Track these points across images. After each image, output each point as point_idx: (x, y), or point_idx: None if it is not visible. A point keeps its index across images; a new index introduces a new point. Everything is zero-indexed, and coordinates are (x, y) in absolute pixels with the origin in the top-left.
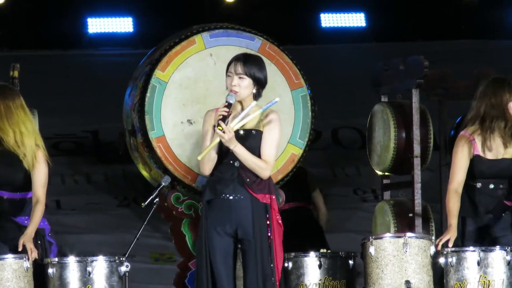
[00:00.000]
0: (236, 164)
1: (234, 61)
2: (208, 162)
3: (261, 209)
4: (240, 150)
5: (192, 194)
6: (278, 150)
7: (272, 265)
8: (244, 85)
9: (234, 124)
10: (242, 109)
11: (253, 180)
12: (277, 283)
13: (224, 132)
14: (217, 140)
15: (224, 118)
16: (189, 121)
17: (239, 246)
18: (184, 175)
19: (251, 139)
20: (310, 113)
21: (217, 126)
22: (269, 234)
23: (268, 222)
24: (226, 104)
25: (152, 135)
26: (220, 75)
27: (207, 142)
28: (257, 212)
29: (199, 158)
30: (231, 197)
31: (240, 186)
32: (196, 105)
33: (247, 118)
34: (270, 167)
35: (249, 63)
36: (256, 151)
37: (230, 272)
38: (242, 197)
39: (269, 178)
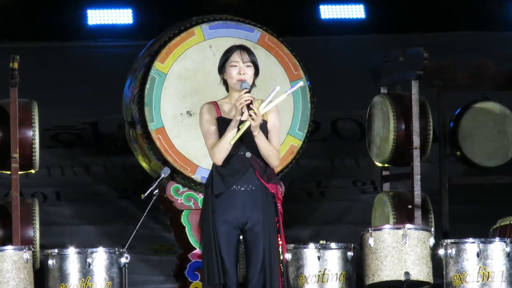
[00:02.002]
0: (248, 155)
1: (237, 50)
2: (224, 151)
3: (270, 198)
4: (262, 137)
5: (191, 186)
6: None
7: (280, 254)
8: (251, 74)
9: (262, 109)
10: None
11: (264, 170)
12: (280, 273)
13: (256, 115)
14: (247, 124)
15: (252, 103)
16: (188, 112)
17: (241, 236)
18: (184, 166)
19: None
20: (309, 105)
21: (250, 110)
22: (277, 223)
23: (275, 211)
24: (247, 90)
25: (151, 126)
26: None
27: (215, 134)
28: (267, 201)
29: (231, 142)
30: (242, 188)
31: (252, 177)
32: (196, 97)
33: (273, 102)
34: (279, 155)
35: (251, 52)
36: None
37: (233, 261)
38: (253, 188)
39: (273, 169)
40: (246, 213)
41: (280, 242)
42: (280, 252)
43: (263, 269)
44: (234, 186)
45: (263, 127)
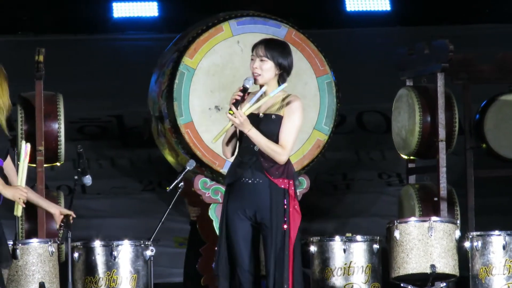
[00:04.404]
0: (256, 148)
1: (257, 44)
2: (226, 146)
3: (279, 194)
4: (254, 134)
5: (219, 179)
6: (297, 136)
7: (286, 252)
8: (266, 68)
9: (246, 109)
10: (265, 93)
11: (272, 165)
12: (290, 270)
13: (235, 116)
14: (229, 124)
15: (237, 102)
16: (216, 107)
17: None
18: (212, 160)
19: (269, 123)
20: (335, 100)
21: (229, 111)
22: (285, 219)
23: (285, 208)
24: (242, 88)
25: (180, 121)
26: (247, 62)
27: (229, 129)
28: (275, 197)
29: (213, 141)
30: (250, 181)
31: (259, 170)
32: (223, 92)
33: (259, 102)
34: (286, 153)
35: (271, 46)
36: (274, 135)
37: (251, 254)
38: (260, 181)
39: (289, 163)
40: (254, 207)
41: (289, 240)
42: (286, 251)
43: (272, 265)
44: (243, 179)
45: (277, 122)
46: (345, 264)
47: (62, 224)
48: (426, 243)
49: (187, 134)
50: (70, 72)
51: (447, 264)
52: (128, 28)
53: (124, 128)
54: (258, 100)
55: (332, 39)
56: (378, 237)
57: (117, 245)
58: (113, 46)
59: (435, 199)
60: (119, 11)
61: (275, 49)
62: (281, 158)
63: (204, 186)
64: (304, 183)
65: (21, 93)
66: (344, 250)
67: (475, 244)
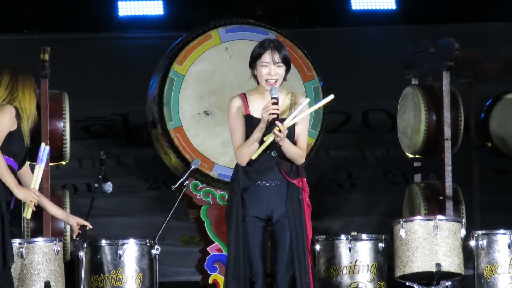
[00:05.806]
0: (273, 154)
1: (269, 49)
2: (247, 156)
3: (295, 192)
4: (287, 143)
5: (209, 182)
6: None
7: (305, 246)
8: (281, 73)
9: (288, 122)
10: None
11: (290, 168)
12: (309, 264)
13: (280, 131)
14: (271, 138)
15: (278, 117)
16: (205, 112)
17: (269, 229)
18: (201, 163)
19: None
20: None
21: (275, 127)
22: (301, 215)
23: (300, 205)
24: (275, 101)
25: (170, 126)
26: (235, 68)
27: (241, 133)
28: (292, 195)
29: (253, 157)
30: (267, 184)
31: (278, 174)
32: (213, 97)
33: (300, 115)
34: (305, 154)
35: (283, 50)
36: (291, 139)
37: (260, 254)
38: (279, 183)
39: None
40: (271, 206)
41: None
42: (305, 246)
43: (291, 262)
44: (259, 182)
45: (291, 126)
46: (351, 262)
47: (80, 233)
48: (432, 241)
49: (176, 138)
50: (75, 71)
51: (453, 263)
52: (134, 26)
53: (129, 127)
54: (297, 114)
55: (337, 38)
56: (383, 236)
57: (123, 244)
58: (118, 44)
59: (441, 197)
60: (125, 9)
61: (285, 51)
62: (302, 160)
63: (195, 189)
64: None
65: None
66: (350, 249)
67: (480, 242)
